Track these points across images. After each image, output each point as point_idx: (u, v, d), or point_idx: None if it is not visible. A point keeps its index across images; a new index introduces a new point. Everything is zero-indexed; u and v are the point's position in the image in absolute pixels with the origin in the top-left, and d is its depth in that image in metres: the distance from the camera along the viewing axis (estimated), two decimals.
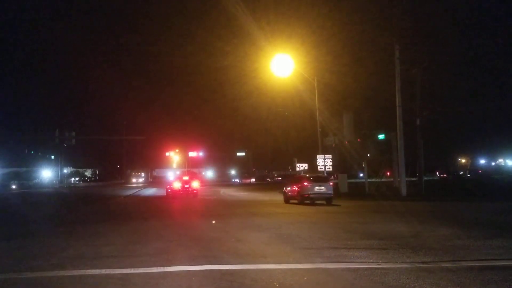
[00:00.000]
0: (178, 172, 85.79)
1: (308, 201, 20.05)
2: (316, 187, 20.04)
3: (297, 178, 23.93)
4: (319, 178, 21.76)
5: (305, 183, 20.32)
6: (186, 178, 32.47)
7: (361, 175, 39.11)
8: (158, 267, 6.62)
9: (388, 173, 36.56)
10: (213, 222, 13.19)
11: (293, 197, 21.37)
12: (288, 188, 22.36)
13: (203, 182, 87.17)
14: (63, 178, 77.20)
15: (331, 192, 20.44)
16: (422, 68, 23.60)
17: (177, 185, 31.22)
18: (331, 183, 21.96)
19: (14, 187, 58.29)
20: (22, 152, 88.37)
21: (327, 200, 20.29)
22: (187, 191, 30.28)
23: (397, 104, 23.40)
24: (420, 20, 23.29)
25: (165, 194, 32.45)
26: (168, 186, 32.96)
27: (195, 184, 31.50)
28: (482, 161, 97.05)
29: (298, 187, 20.74)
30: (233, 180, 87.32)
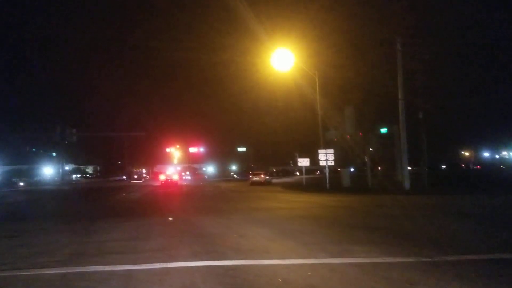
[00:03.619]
0: (178, 168, 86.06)
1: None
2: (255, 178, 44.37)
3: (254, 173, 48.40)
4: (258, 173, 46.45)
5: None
6: (168, 172, 51.43)
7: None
8: (161, 263, 6.61)
9: (379, 168, 36.46)
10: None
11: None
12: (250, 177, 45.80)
13: (200, 177, 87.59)
14: (65, 175, 77.38)
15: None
16: (424, 60, 23.44)
17: (162, 177, 49.66)
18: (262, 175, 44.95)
19: (22, 184, 58.43)
20: (23, 150, 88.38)
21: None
22: (170, 182, 46.84)
23: (399, 97, 23.30)
24: (422, 12, 23.12)
25: (159, 185, 45.98)
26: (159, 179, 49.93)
27: (175, 177, 50.40)
28: (486, 154, 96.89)
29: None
30: (234, 175, 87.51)
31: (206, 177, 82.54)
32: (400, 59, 23.00)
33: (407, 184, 23.34)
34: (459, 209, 14.91)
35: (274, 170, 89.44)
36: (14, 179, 61.67)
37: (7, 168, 76.79)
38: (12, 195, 30.83)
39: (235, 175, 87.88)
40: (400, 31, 22.82)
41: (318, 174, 64.54)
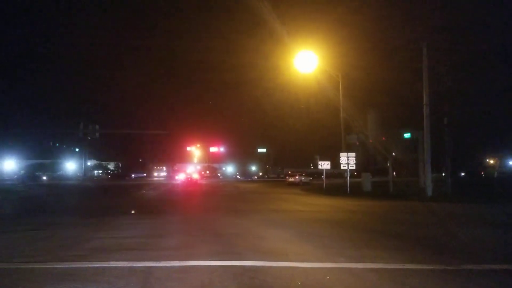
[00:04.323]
0: (198, 167, 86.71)
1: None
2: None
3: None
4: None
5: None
6: (188, 171, 51.29)
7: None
8: (180, 261, 6.65)
9: (401, 173, 35.81)
10: (132, 212, 13.23)
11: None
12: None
13: (220, 176, 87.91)
14: (87, 171, 78.81)
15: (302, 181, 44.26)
16: (451, 64, 22.93)
17: (182, 176, 51.52)
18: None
19: (44, 178, 59.87)
20: (47, 144, 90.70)
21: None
22: (190, 181, 47.95)
23: (424, 102, 22.86)
24: (449, 14, 22.61)
25: (178, 183, 47.34)
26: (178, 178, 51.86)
27: (195, 175, 51.81)
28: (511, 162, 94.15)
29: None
30: (253, 177, 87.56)
31: (221, 177, 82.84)
32: (426, 63, 22.55)
33: (429, 191, 22.86)
34: (483, 217, 14.50)
35: (289, 172, 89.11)
36: (37, 173, 63.22)
37: (31, 162, 78.93)
38: (35, 189, 31.59)
39: (238, 176, 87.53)
40: (426, 34, 22.38)
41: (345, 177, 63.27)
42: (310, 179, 48.55)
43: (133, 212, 15.30)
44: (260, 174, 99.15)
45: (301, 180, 45.22)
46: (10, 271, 6.16)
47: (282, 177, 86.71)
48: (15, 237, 9.24)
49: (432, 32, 22.45)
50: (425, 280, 5.74)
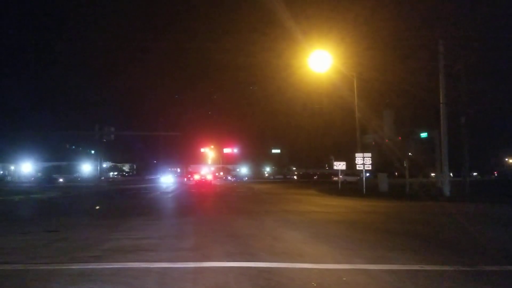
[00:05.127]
0: (212, 168, 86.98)
1: None
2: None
3: None
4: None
5: None
6: (202, 172, 55.37)
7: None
8: (195, 262, 6.64)
9: (418, 173, 35.19)
10: (145, 213, 13.11)
11: None
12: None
13: (233, 177, 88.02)
14: (102, 173, 79.70)
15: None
16: (467, 64, 22.56)
17: (196, 177, 53.01)
18: None
19: (61, 180, 60.80)
20: (63, 147, 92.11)
21: None
22: (203, 182, 48.38)
23: (441, 101, 22.54)
24: (466, 14, 22.29)
25: (191, 183, 48.79)
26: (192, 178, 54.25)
27: (209, 177, 52.67)
28: None
29: None
30: (273, 177, 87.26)
31: (234, 178, 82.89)
32: (442, 62, 22.24)
33: (447, 191, 22.54)
34: (503, 217, 14.21)
35: (296, 172, 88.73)
36: (54, 176, 64.26)
37: (47, 164, 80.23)
38: (52, 191, 32.05)
39: (232, 178, 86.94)
40: (443, 33, 22.07)
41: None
42: (358, 178, 46.87)
43: (146, 213, 15.39)
44: (266, 175, 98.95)
45: (345, 180, 44.96)
46: (27, 272, 6.22)
47: (289, 178, 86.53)
48: (32, 239, 9.34)
49: (449, 30, 22.16)
50: (443, 281, 5.62)
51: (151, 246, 8.25)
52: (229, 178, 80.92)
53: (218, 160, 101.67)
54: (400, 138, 28.41)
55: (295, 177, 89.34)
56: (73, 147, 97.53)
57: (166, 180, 57.13)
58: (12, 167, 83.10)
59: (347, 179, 47.88)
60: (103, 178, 76.45)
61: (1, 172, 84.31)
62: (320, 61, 25.35)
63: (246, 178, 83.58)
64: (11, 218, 14.52)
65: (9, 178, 70.38)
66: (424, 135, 28.88)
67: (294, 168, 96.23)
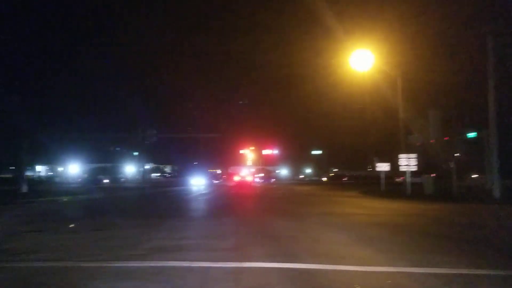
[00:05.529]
0: (252, 170, 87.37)
1: None
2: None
3: None
4: None
5: None
6: (242, 173, 56.32)
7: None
8: (236, 262, 6.66)
9: (466, 175, 33.65)
10: (188, 213, 13.04)
11: None
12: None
13: (274, 178, 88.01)
14: (145, 174, 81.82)
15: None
16: None
17: (236, 178, 53.31)
18: None
19: (106, 181, 63.03)
20: (108, 149, 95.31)
21: None
22: (243, 183, 48.78)
23: (490, 100, 21.49)
24: None
25: (231, 184, 49.30)
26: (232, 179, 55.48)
27: (249, 178, 53.63)
28: None
29: None
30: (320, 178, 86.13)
31: (274, 180, 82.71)
32: (492, 60, 21.18)
33: (496, 193, 21.44)
34: None
35: (354, 174, 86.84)
36: (99, 177, 66.66)
37: (93, 166, 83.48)
38: (97, 192, 33.24)
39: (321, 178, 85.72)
40: (492, 29, 21.02)
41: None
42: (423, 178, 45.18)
43: (187, 213, 15.64)
44: (302, 176, 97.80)
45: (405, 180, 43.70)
46: (74, 268, 6.46)
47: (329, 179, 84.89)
48: (78, 237, 9.71)
49: (498, 26, 21.12)
50: (492, 285, 5.36)
51: (193, 245, 8.36)
52: (268, 179, 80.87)
53: (257, 161, 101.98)
54: (446, 138, 27.31)
55: (333, 178, 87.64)
56: (117, 149, 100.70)
57: (197, 182, 56.56)
58: (60, 169, 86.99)
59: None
60: (146, 178, 78.66)
61: (50, 173, 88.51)
62: (362, 60, 24.86)
63: (286, 180, 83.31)
64: (59, 217, 15.14)
65: (57, 179, 73.73)
66: (472, 135, 27.67)
67: (336, 170, 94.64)
